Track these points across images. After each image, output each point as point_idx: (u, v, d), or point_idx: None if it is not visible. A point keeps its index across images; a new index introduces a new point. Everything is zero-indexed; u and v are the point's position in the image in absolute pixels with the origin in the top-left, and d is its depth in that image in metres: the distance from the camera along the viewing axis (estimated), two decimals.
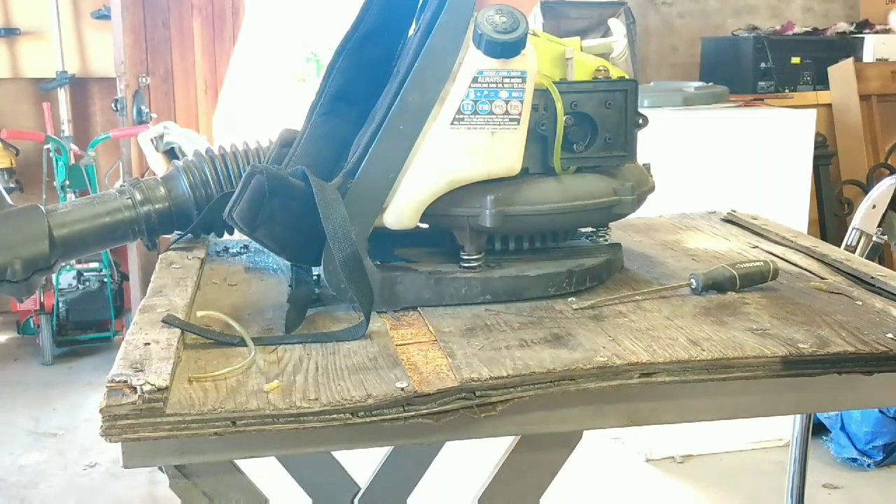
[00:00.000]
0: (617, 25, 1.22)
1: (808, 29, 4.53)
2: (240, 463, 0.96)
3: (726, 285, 1.18)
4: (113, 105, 3.82)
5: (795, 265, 1.31)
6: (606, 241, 1.29)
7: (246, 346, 0.97)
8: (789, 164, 3.09)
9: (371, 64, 1.21)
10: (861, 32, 4.38)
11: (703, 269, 1.20)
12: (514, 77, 1.08)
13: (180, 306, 1.06)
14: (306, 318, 1.07)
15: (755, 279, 1.19)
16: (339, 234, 1.03)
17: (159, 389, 0.82)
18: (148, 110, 3.81)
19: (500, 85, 1.08)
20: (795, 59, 4.20)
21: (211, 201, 1.26)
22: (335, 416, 0.85)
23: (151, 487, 2.79)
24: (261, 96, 4.65)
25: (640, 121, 1.19)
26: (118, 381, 0.83)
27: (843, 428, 2.95)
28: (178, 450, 0.87)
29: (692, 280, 1.18)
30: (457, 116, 1.09)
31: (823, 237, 3.84)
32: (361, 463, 1.37)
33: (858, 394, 1.04)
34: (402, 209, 1.11)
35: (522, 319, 1.07)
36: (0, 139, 3.87)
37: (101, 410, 0.81)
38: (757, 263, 1.21)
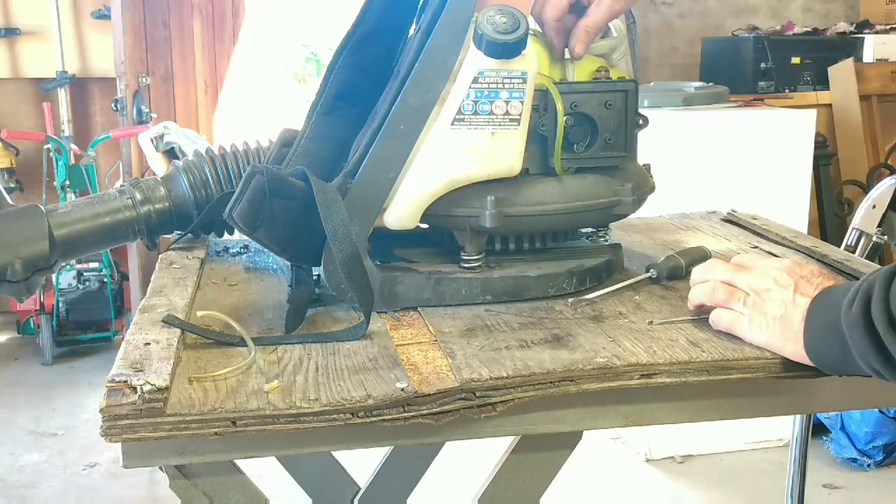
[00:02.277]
0: (617, 25, 1.22)
1: (808, 29, 4.53)
2: (240, 463, 0.96)
3: (680, 271, 1.22)
4: (113, 105, 3.83)
5: None
6: (606, 241, 1.29)
7: (246, 346, 0.97)
8: (789, 164, 3.09)
9: (371, 64, 1.21)
10: (861, 32, 4.38)
11: (660, 260, 1.23)
12: (514, 77, 1.08)
13: (180, 306, 1.06)
14: (306, 318, 1.07)
15: (698, 260, 1.24)
16: (339, 234, 1.03)
17: (159, 389, 0.82)
18: (148, 110, 3.82)
19: (500, 85, 1.08)
20: (795, 59, 4.20)
21: (211, 201, 1.26)
22: (335, 416, 0.85)
23: (151, 487, 2.79)
24: (261, 96, 4.65)
25: (641, 121, 1.19)
26: (118, 381, 0.83)
27: (843, 428, 2.95)
28: (178, 450, 0.87)
29: (651, 271, 1.20)
30: (457, 117, 1.09)
31: (823, 237, 3.84)
32: (361, 463, 1.37)
33: (858, 394, 1.04)
34: (402, 209, 1.12)
35: (522, 320, 1.08)
36: (0, 139, 3.87)
37: (101, 410, 0.81)
38: (696, 246, 1.29)
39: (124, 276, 3.99)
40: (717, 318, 1.02)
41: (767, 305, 0.98)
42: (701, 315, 1.05)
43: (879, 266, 1.26)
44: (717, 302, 1.03)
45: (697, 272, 1.07)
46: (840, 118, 4.16)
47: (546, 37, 1.17)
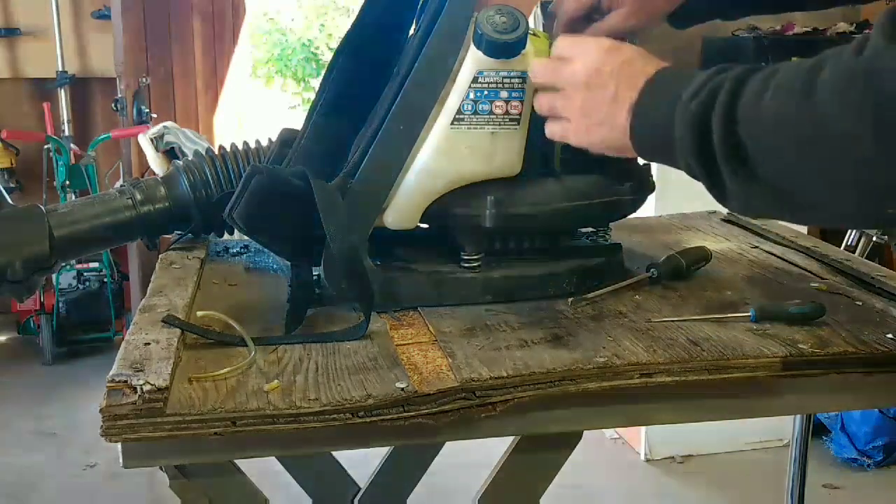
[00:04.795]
0: None
1: (808, 29, 4.53)
2: (240, 463, 0.96)
3: (680, 271, 1.23)
4: (113, 105, 3.82)
5: (795, 265, 1.31)
6: (606, 241, 1.29)
7: (246, 346, 0.97)
8: None
9: (371, 64, 1.21)
10: (861, 32, 4.37)
11: (660, 260, 1.24)
12: (514, 77, 1.08)
13: (180, 306, 1.06)
14: (306, 318, 1.07)
15: (699, 260, 1.26)
16: (339, 234, 1.03)
17: (159, 389, 0.82)
18: (148, 110, 3.81)
19: (500, 85, 1.08)
20: (795, 60, 4.20)
21: (211, 201, 1.26)
22: (335, 416, 0.85)
23: (151, 487, 2.79)
24: (261, 96, 4.65)
25: None
26: (118, 381, 0.83)
27: (843, 428, 2.95)
28: (178, 450, 0.87)
29: (652, 271, 1.21)
30: (457, 116, 1.09)
31: (823, 237, 3.83)
32: (361, 463, 1.37)
33: (858, 394, 1.04)
34: (402, 209, 1.12)
35: (522, 319, 1.08)
36: (0, 139, 3.87)
37: (101, 410, 0.81)
38: (697, 246, 1.30)
39: (124, 276, 3.98)
40: (551, 133, 1.00)
41: (591, 108, 0.94)
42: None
43: (879, 266, 1.26)
44: (548, 114, 1.00)
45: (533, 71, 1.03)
46: None
47: (553, 30, 1.17)
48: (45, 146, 3.89)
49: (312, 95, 1.24)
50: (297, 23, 9.20)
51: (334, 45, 1.23)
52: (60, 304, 3.84)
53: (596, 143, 0.95)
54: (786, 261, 1.33)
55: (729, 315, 1.09)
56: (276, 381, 0.89)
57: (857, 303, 1.14)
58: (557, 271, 1.16)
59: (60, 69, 4.00)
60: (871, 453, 2.89)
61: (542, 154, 1.15)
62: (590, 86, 0.94)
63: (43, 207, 1.17)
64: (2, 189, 3.81)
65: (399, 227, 1.13)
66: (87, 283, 3.90)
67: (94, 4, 4.08)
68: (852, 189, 0.75)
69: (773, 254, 1.36)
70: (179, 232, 1.33)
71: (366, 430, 0.87)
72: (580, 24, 1.17)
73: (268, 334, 1.03)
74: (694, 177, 0.85)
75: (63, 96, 4.01)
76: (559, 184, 1.15)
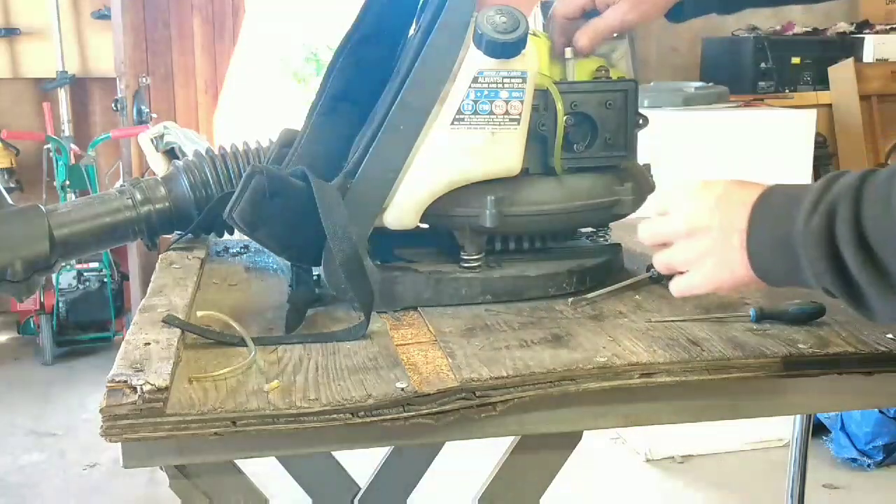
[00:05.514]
0: None
1: (808, 29, 4.53)
2: (240, 463, 0.96)
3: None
4: (113, 105, 3.82)
5: None
6: (606, 241, 1.29)
7: (246, 346, 0.97)
8: (789, 164, 3.09)
9: (371, 64, 1.21)
10: (861, 32, 4.38)
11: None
12: (514, 77, 1.08)
13: (180, 306, 1.06)
14: (306, 318, 1.07)
15: None
16: (339, 234, 1.03)
17: (159, 389, 0.82)
18: (148, 110, 3.81)
19: (500, 85, 1.08)
20: (795, 60, 4.20)
21: (211, 201, 1.26)
22: (335, 416, 0.85)
23: (151, 487, 2.79)
24: (261, 96, 4.64)
25: (641, 121, 1.19)
26: (118, 381, 0.83)
27: (843, 428, 2.95)
28: (178, 450, 0.87)
29: (652, 271, 1.20)
30: (457, 116, 1.09)
31: None
32: (361, 463, 1.37)
33: (858, 394, 1.04)
34: (402, 209, 1.12)
35: (522, 319, 1.08)
36: (0, 139, 3.87)
37: (101, 410, 0.81)
38: None
39: (124, 276, 3.98)
40: (677, 290, 0.94)
41: (705, 253, 0.88)
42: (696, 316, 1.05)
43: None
44: (668, 272, 0.96)
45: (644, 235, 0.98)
46: (840, 118, 4.16)
47: (550, 31, 1.18)
48: (45, 146, 3.89)
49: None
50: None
51: (334, 44, 1.22)
52: (60, 304, 3.84)
53: (724, 286, 0.89)
54: None
55: (729, 315, 1.09)
56: (276, 381, 0.89)
57: None
58: (557, 271, 1.16)
59: (60, 69, 4.00)
60: (871, 453, 2.89)
61: (542, 154, 1.15)
62: (694, 232, 0.88)
63: (43, 207, 1.17)
64: (2, 189, 3.81)
65: (399, 227, 1.13)
66: (87, 283, 3.89)
67: (94, 4, 4.08)
68: None
69: None
70: (179, 232, 1.33)
71: (366, 430, 0.87)
72: (576, 23, 1.17)
73: (268, 334, 1.03)
74: (833, 297, 0.80)
75: (63, 96, 4.01)
76: (559, 184, 1.15)
